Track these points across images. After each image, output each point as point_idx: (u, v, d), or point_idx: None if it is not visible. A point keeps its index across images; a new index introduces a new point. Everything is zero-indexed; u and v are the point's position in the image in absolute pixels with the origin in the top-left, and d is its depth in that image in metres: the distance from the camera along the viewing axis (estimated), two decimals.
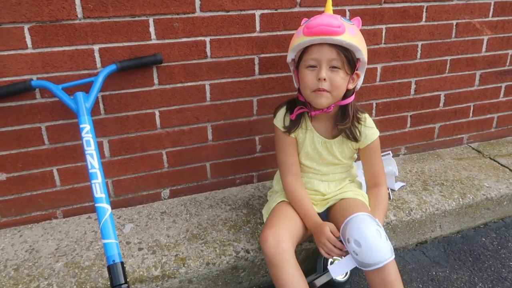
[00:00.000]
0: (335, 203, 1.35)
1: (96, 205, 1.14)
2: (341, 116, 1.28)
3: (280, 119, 1.33)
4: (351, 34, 1.16)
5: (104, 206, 1.14)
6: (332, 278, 1.29)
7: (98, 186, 1.16)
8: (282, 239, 1.16)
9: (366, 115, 1.33)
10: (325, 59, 1.16)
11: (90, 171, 1.17)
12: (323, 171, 1.37)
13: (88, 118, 1.25)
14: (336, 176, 1.39)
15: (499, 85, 2.08)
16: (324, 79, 1.17)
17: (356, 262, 1.11)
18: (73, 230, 1.46)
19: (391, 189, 1.70)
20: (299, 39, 1.19)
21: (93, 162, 1.18)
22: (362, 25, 1.43)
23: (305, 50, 1.21)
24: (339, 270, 1.14)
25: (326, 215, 1.38)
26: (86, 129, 1.23)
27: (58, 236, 1.43)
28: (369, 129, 1.31)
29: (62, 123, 1.41)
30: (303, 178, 1.39)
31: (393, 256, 1.10)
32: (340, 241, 1.16)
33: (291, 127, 1.30)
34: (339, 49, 1.16)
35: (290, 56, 1.26)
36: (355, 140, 1.31)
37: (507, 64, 2.04)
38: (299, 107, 1.29)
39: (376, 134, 1.33)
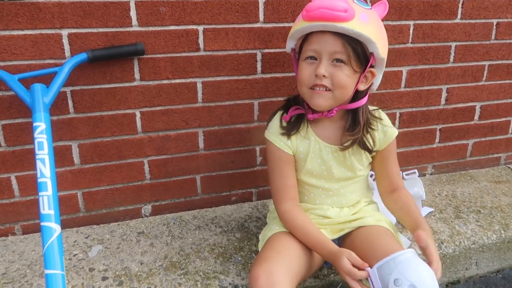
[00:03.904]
0: (351, 231, 1.07)
1: (42, 224, 0.91)
2: (352, 124, 1.05)
3: (274, 129, 1.08)
4: (363, 21, 0.92)
5: (52, 225, 0.91)
6: None
7: (47, 200, 0.93)
8: (278, 279, 0.89)
9: (380, 111, 1.11)
10: (327, 51, 0.95)
11: (39, 180, 0.94)
12: (334, 189, 1.11)
13: (45, 115, 1.02)
14: (350, 196, 1.13)
15: None
16: (324, 76, 0.95)
17: None
18: (29, 250, 1.21)
19: None
20: (298, 24, 0.99)
21: (44, 169, 0.95)
22: (386, 20, 1.18)
23: (305, 38, 1.00)
24: None
25: (339, 244, 1.11)
26: (40, 128, 1.00)
27: (9, 257, 1.18)
28: (387, 126, 1.09)
29: (22, 122, 1.19)
30: (307, 204, 1.13)
31: None
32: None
33: (290, 129, 1.06)
34: (345, 39, 0.93)
35: (289, 44, 1.06)
36: (369, 151, 1.08)
37: None
38: (295, 107, 1.06)
39: (396, 132, 1.10)
